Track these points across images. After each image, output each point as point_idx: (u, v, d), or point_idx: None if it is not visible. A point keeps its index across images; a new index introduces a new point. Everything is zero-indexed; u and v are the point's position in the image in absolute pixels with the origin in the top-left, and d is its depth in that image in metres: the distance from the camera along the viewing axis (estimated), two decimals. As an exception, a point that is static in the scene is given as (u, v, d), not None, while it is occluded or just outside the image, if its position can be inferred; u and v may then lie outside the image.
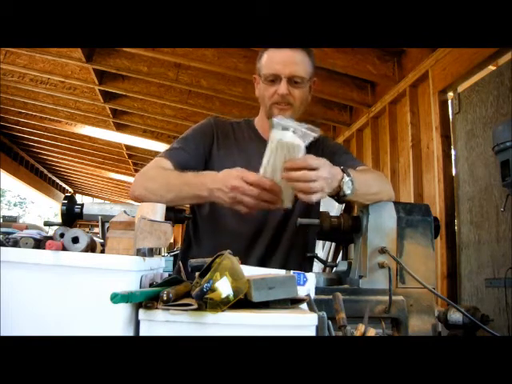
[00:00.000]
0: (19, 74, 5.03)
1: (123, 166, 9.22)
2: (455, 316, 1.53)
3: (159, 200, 1.20)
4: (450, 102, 2.93)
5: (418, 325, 1.24)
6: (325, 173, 1.17)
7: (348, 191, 1.24)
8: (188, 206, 1.62)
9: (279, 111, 1.43)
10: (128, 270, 0.84)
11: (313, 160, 1.17)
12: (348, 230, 1.33)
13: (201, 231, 1.57)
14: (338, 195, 1.26)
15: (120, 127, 6.35)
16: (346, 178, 1.24)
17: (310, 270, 1.58)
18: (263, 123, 1.57)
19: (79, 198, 14.10)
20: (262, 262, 1.45)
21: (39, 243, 0.89)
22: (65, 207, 1.45)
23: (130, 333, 0.81)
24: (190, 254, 1.55)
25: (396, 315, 1.21)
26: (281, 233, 1.52)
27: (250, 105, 4.37)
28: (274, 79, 1.43)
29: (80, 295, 0.83)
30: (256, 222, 1.49)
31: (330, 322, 0.87)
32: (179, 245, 8.32)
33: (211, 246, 1.48)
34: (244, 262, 0.95)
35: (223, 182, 1.22)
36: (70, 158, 9.45)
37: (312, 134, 1.17)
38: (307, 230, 1.57)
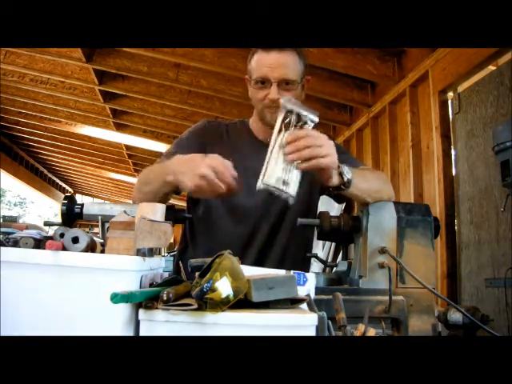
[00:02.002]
0: (19, 74, 5.03)
1: (123, 166, 9.23)
2: (455, 316, 1.53)
3: (145, 197, 1.20)
4: (450, 102, 2.93)
5: (418, 325, 1.24)
6: (326, 140, 1.17)
7: (349, 175, 1.24)
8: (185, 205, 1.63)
9: (271, 115, 1.40)
10: (128, 270, 0.84)
11: (313, 131, 1.17)
12: (348, 230, 1.33)
13: (196, 231, 1.57)
14: (338, 187, 1.26)
15: (120, 127, 6.35)
16: (344, 167, 1.25)
17: (307, 270, 1.57)
18: (257, 124, 1.56)
19: (79, 198, 14.10)
20: (257, 263, 1.44)
21: (39, 243, 0.89)
22: (65, 207, 1.44)
23: (130, 333, 0.81)
24: (186, 254, 1.56)
25: (396, 315, 1.21)
26: (276, 233, 1.51)
27: (250, 105, 4.36)
28: (264, 83, 1.41)
29: (80, 295, 0.83)
30: (251, 223, 1.49)
31: (329, 322, 0.87)
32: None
33: (206, 246, 1.49)
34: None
35: (190, 168, 1.18)
36: (70, 158, 9.46)
37: (314, 118, 1.18)
38: (304, 231, 1.56)
